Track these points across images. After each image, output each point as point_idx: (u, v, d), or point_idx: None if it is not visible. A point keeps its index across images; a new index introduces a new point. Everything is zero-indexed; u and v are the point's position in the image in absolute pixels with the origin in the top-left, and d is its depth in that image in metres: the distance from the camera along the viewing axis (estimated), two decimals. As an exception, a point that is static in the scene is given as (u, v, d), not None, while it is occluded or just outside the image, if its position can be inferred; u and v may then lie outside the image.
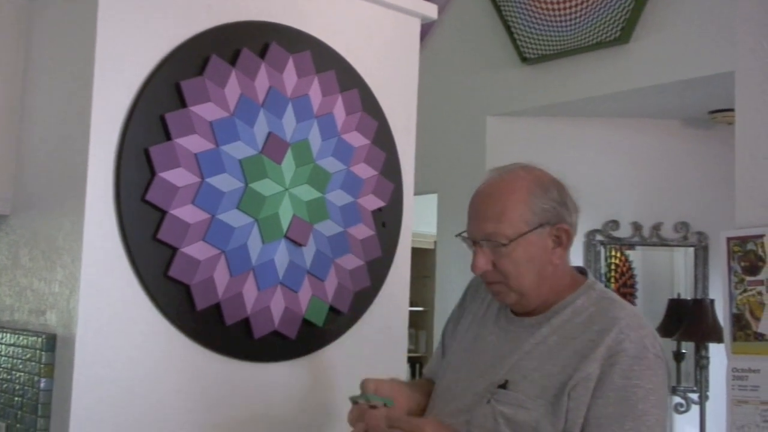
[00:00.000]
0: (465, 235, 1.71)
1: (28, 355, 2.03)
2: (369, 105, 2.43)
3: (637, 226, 4.65)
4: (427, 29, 4.67)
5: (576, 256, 4.45)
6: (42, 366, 1.97)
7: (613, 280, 4.66)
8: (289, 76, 2.26)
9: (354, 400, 1.69)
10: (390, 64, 2.54)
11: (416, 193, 2.60)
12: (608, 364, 1.55)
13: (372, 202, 2.42)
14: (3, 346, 2.16)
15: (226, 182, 2.11)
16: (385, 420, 1.60)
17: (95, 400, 1.93)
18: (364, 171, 2.40)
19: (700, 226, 4.61)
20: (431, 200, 4.94)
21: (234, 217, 2.12)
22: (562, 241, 1.68)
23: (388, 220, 2.47)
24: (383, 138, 2.46)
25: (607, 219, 4.63)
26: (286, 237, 2.22)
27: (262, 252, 2.17)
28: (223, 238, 2.10)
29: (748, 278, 2.04)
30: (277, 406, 2.24)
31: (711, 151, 4.55)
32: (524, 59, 4.42)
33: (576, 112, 4.54)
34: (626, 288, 4.68)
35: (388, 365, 2.45)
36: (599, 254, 4.65)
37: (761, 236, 2.02)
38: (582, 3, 4.09)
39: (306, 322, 2.27)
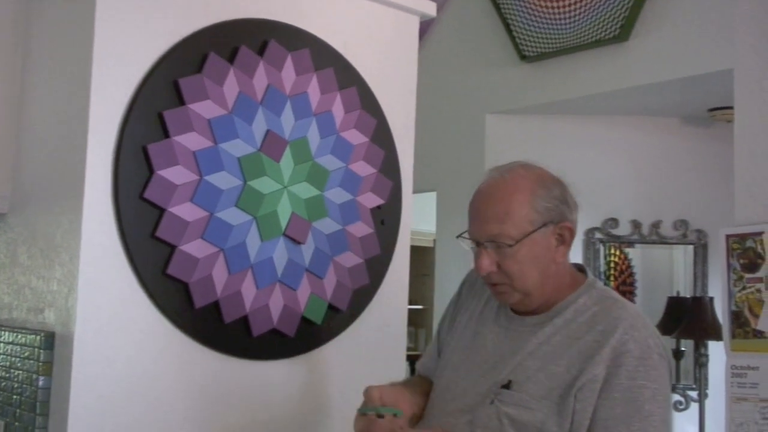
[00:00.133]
0: (466, 236, 1.69)
1: (26, 353, 2.03)
2: (368, 103, 2.43)
3: (636, 224, 4.65)
4: (426, 27, 4.68)
5: (575, 254, 4.44)
6: (40, 364, 1.97)
7: (612, 278, 4.66)
8: (288, 74, 2.25)
9: (362, 412, 1.66)
10: (389, 62, 2.54)
11: (415, 191, 2.60)
12: (614, 366, 1.55)
13: (371, 200, 2.42)
14: (1, 345, 2.16)
15: (224, 180, 2.11)
16: (391, 431, 1.60)
17: (94, 398, 1.92)
18: (363, 169, 2.40)
19: (700, 223, 4.60)
20: (430, 198, 4.94)
21: (232, 215, 2.12)
22: (565, 239, 1.67)
23: (387, 218, 2.47)
24: (382, 136, 2.46)
25: (607, 217, 4.63)
26: (285, 235, 2.22)
27: (260, 250, 2.17)
28: (221, 235, 2.10)
29: (747, 275, 2.04)
30: (276, 404, 2.24)
31: (710, 148, 4.55)
32: (523, 57, 4.41)
33: (575, 110, 4.54)
34: (625, 286, 4.68)
35: (387, 363, 2.45)
36: (598, 252, 4.64)
37: (760, 233, 2.02)
38: (581, 0, 4.08)
39: (305, 320, 2.26)
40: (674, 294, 4.48)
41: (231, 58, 2.15)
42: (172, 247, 2.02)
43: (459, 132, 4.80)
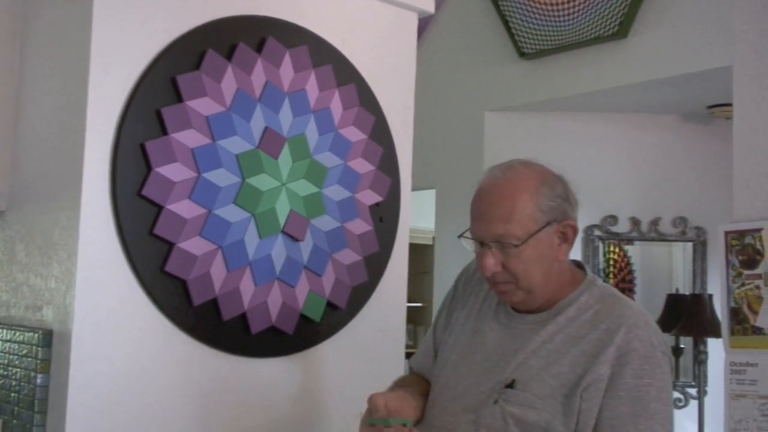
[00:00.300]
0: (467, 235, 1.67)
1: (24, 351, 2.03)
2: (366, 100, 2.43)
3: (635, 221, 4.65)
4: (424, 24, 4.66)
5: (574, 252, 4.44)
6: (38, 362, 1.96)
7: (611, 275, 4.65)
8: (286, 71, 2.25)
9: (371, 423, 1.62)
10: (387, 59, 2.54)
11: (414, 189, 2.59)
12: (619, 365, 1.55)
13: (369, 197, 2.42)
14: (-1, 342, 2.16)
15: (222, 177, 2.10)
16: None
17: (92, 395, 1.92)
18: (362, 166, 2.40)
19: (699, 221, 4.60)
20: (429, 196, 4.94)
21: (231, 213, 2.12)
22: (568, 237, 1.66)
23: (386, 215, 2.47)
24: (380, 133, 2.46)
25: (606, 214, 4.63)
26: (283, 232, 2.22)
27: (259, 247, 2.17)
28: (219, 233, 2.09)
29: (746, 272, 2.04)
30: (274, 402, 2.24)
31: (709, 145, 4.54)
32: (522, 54, 4.41)
33: (574, 107, 4.54)
34: (625, 283, 4.67)
35: (386, 361, 2.45)
36: (597, 249, 4.64)
37: (759, 230, 2.02)
38: (580, -2, 4.09)
39: (303, 318, 2.26)
40: (673, 291, 4.48)
41: (229, 55, 2.14)
42: (171, 245, 2.02)
43: (458, 129, 4.80)
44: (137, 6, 2.02)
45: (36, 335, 1.99)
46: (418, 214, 3.00)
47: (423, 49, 3.94)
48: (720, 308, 2.14)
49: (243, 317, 2.14)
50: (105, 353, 1.95)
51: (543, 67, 4.36)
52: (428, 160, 4.54)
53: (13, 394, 2.06)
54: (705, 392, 4.19)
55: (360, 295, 2.40)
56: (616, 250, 4.68)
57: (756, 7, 2.11)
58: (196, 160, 2.06)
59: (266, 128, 2.20)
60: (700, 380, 4.21)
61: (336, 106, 2.35)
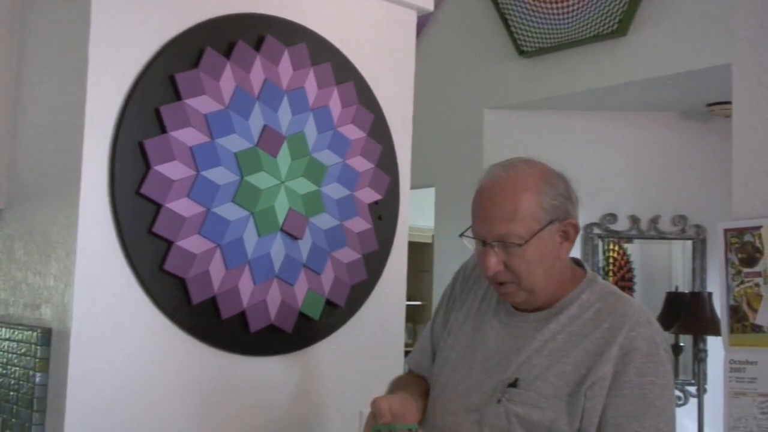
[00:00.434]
0: (469, 234, 1.66)
1: (23, 350, 2.03)
2: (365, 98, 2.42)
3: (634, 220, 4.65)
4: (423, 22, 4.67)
5: (574, 250, 4.45)
6: (37, 360, 1.96)
7: (611, 273, 4.66)
8: (285, 69, 2.25)
9: (376, 429, 1.60)
10: (386, 57, 2.53)
11: (414, 187, 2.59)
12: (622, 363, 1.55)
13: (368, 195, 2.41)
14: (-2, 341, 2.16)
15: (221, 175, 2.10)
16: None
17: (90, 394, 1.92)
18: (361, 164, 2.39)
19: (698, 218, 4.60)
20: (429, 194, 4.93)
21: (229, 211, 2.11)
22: (569, 235, 1.65)
23: (385, 213, 2.46)
24: (379, 131, 2.46)
25: (605, 212, 4.63)
26: (282, 230, 2.22)
27: (257, 245, 2.16)
28: (218, 231, 2.09)
29: (746, 270, 2.04)
30: (273, 400, 2.24)
31: (708, 143, 4.55)
32: (521, 52, 4.41)
33: (574, 105, 4.54)
34: (624, 281, 4.68)
35: (385, 359, 2.45)
36: (597, 248, 4.64)
37: (758, 227, 2.02)
38: (579, -5, 4.08)
39: (302, 316, 2.26)
40: (673, 289, 4.48)
41: (227, 53, 2.14)
42: (169, 243, 2.01)
43: (457, 127, 4.80)
44: (135, 4, 2.02)
45: (35, 334, 1.98)
46: (417, 212, 3.00)
47: (422, 47, 3.94)
48: (719, 306, 2.14)
49: (242, 315, 2.14)
50: (104, 352, 1.94)
51: (542, 64, 4.36)
52: (427, 158, 4.54)
53: (11, 393, 2.05)
54: (704, 390, 4.19)
55: (359, 294, 2.40)
56: (616, 248, 4.68)
57: (755, 5, 2.11)
58: (194, 159, 2.05)
59: (265, 126, 2.19)
60: (699, 378, 4.21)
61: (335, 104, 2.34)
